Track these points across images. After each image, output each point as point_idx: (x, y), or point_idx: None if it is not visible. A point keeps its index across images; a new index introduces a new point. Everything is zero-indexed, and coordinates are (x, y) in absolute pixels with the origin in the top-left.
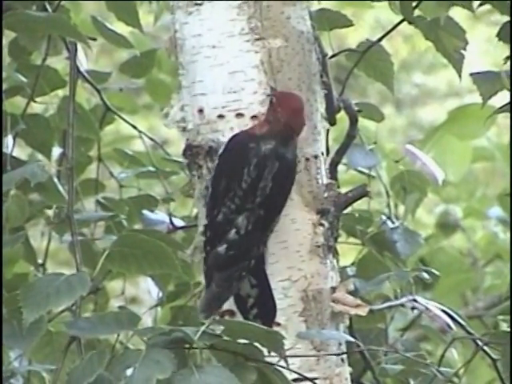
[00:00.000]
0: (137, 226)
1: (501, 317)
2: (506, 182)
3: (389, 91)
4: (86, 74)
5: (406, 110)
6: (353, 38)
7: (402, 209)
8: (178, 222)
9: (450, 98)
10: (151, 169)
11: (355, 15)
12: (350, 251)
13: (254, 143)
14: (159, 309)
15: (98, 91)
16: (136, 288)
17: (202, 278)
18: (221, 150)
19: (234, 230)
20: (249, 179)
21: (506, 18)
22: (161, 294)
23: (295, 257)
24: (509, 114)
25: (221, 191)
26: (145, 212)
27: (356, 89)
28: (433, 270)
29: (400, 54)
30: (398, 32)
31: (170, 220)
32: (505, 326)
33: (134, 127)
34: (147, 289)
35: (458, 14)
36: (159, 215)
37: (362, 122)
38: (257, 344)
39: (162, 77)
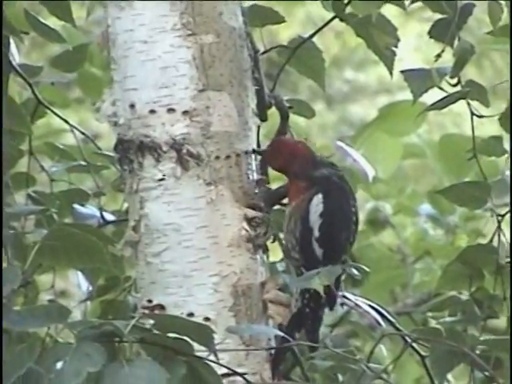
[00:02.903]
0: (67, 220)
1: (430, 314)
2: (435, 179)
3: (320, 88)
4: (18, 68)
5: (337, 106)
6: (284, 34)
7: None
8: (109, 217)
9: (380, 95)
10: (82, 163)
11: (286, 11)
12: (279, 247)
13: None
14: (89, 303)
15: (30, 85)
16: (65, 281)
17: (135, 271)
18: None
19: None
20: None
21: (438, 16)
22: (91, 288)
23: (225, 252)
24: (439, 112)
25: None
26: (76, 206)
27: (287, 85)
28: (362, 266)
29: (331, 50)
30: (329, 28)
31: (101, 214)
32: (433, 323)
33: (66, 121)
34: (77, 282)
35: (389, 10)
36: (90, 209)
37: (293, 118)
38: (187, 338)
39: (93, 71)
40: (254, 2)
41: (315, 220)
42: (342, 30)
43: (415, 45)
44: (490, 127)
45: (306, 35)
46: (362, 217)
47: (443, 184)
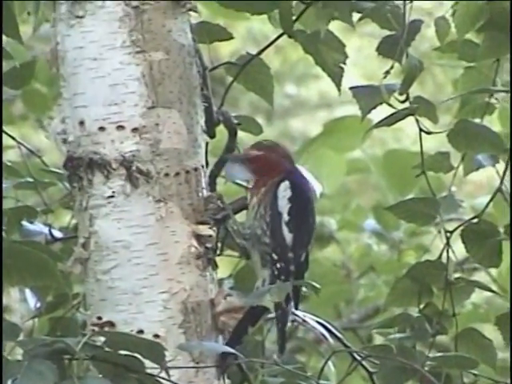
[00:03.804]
0: (14, 237)
1: (375, 330)
2: (378, 194)
3: (266, 103)
4: None
5: (277, 121)
6: (225, 49)
7: None
8: (56, 233)
9: (321, 109)
10: (29, 179)
11: (227, 26)
12: (227, 264)
13: None
14: (36, 319)
15: None
16: (7, 297)
17: (84, 288)
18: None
19: None
20: None
21: (378, 31)
22: (39, 305)
23: (175, 269)
24: (382, 128)
25: None
26: (24, 223)
27: (228, 99)
28: (312, 283)
29: (272, 65)
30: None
31: (50, 231)
32: (379, 339)
33: (13, 138)
34: (19, 298)
35: (331, 25)
36: (37, 226)
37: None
38: (138, 355)
39: (37, 87)
40: (202, 19)
41: (284, 204)
42: (282, 45)
43: (354, 59)
44: (431, 142)
45: (248, 51)
46: None
47: (387, 199)
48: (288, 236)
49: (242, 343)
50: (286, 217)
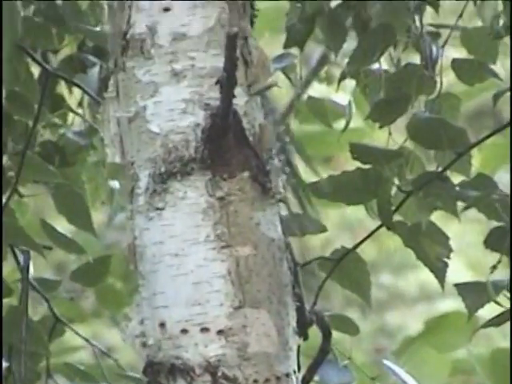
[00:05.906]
0: None
1: None
2: None
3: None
4: (33, 282)
5: (373, 315)
6: (316, 237)
7: None
8: None
9: (420, 302)
10: None
11: (319, 213)
12: None
13: None
14: None
15: (47, 300)
16: None
17: None
18: None
19: None
20: None
21: (494, 224)
22: None
23: None
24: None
25: None
26: None
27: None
28: None
29: (367, 255)
30: (364, 230)
31: None
32: None
33: (87, 340)
34: None
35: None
36: None
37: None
38: None
39: (111, 281)
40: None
41: None
42: (378, 232)
43: (456, 246)
44: None
45: (343, 244)
46: None
47: None
48: None
49: None
50: None
